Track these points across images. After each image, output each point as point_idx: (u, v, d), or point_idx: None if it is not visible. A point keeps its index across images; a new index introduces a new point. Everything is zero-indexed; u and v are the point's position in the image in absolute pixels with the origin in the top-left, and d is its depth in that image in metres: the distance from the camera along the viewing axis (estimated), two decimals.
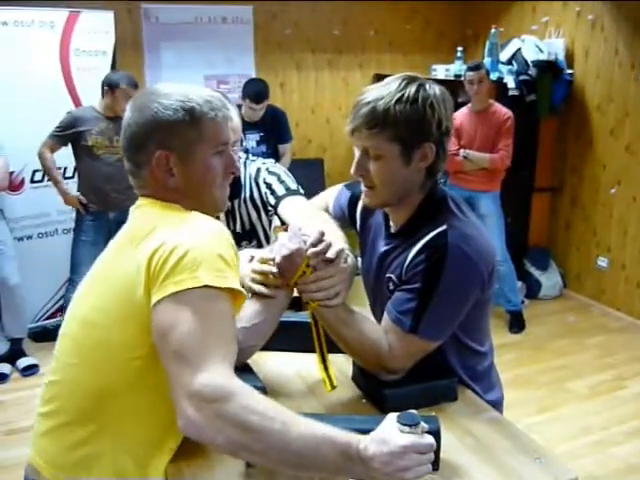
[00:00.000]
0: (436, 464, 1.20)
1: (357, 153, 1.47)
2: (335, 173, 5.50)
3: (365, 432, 1.19)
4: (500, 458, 1.33)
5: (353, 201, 1.76)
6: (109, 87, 3.79)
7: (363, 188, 1.52)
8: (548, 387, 3.76)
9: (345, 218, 1.79)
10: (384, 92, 1.40)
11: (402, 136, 1.39)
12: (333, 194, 1.88)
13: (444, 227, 1.44)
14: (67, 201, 3.93)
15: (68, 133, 3.80)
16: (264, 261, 1.45)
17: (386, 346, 1.46)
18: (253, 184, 2.23)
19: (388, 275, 1.56)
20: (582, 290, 5.12)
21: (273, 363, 1.70)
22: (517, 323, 4.54)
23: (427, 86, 1.42)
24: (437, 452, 1.19)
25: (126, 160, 1.29)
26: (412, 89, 1.39)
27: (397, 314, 1.46)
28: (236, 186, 2.16)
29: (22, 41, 3.95)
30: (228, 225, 2.20)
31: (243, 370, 1.52)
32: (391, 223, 1.60)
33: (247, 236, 2.29)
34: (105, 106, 3.86)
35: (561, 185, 5.18)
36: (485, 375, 1.66)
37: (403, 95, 1.38)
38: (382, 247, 1.61)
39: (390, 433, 1.09)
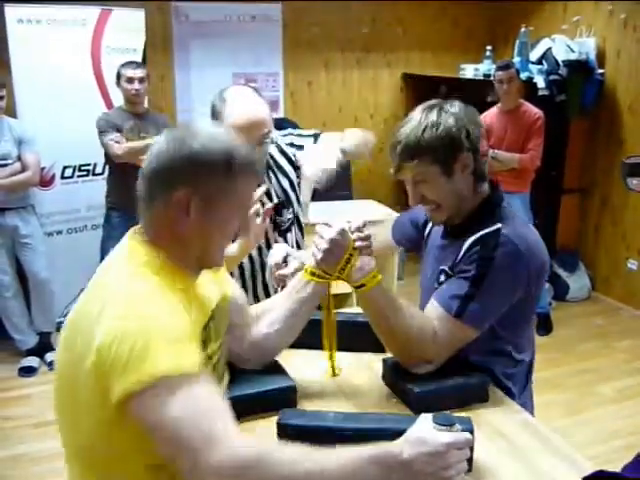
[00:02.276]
0: (469, 465, 1.20)
1: (408, 187, 1.62)
2: (363, 171, 5.47)
3: (396, 432, 1.19)
4: (532, 461, 1.32)
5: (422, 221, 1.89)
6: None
7: (428, 212, 1.66)
8: (576, 390, 3.71)
9: (414, 234, 1.92)
10: (410, 127, 1.55)
11: (438, 157, 1.53)
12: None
13: (499, 225, 1.55)
14: None
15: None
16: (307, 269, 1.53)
17: (431, 332, 1.50)
18: (277, 152, 2.17)
19: (441, 267, 1.64)
20: (611, 293, 5.04)
21: (301, 361, 1.70)
22: (544, 325, 4.49)
23: (446, 107, 1.56)
24: (470, 453, 1.18)
25: (143, 187, 1.20)
26: (433, 115, 1.54)
27: (447, 299, 1.53)
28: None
29: (54, 38, 3.99)
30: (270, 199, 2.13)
31: (274, 369, 1.53)
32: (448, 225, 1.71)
33: (285, 205, 2.19)
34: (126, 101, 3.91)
35: (591, 186, 5.11)
36: (517, 381, 1.67)
37: (427, 123, 1.53)
38: (438, 243, 1.72)
39: (428, 433, 1.08)
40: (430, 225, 1.81)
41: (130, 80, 3.81)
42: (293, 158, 2.18)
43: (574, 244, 5.25)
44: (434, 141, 1.52)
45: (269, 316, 1.51)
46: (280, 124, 4.37)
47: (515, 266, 1.51)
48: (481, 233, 1.55)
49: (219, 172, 1.16)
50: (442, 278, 1.63)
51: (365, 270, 1.49)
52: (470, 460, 1.20)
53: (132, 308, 1.08)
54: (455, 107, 1.57)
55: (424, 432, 1.09)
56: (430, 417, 1.11)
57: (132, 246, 1.22)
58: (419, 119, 1.55)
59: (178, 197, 1.15)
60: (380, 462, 1.04)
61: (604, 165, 4.96)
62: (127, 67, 3.84)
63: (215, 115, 1.92)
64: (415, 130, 1.54)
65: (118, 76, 3.86)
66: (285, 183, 2.18)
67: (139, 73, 3.83)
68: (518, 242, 1.51)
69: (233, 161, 1.17)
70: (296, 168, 2.18)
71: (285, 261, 1.85)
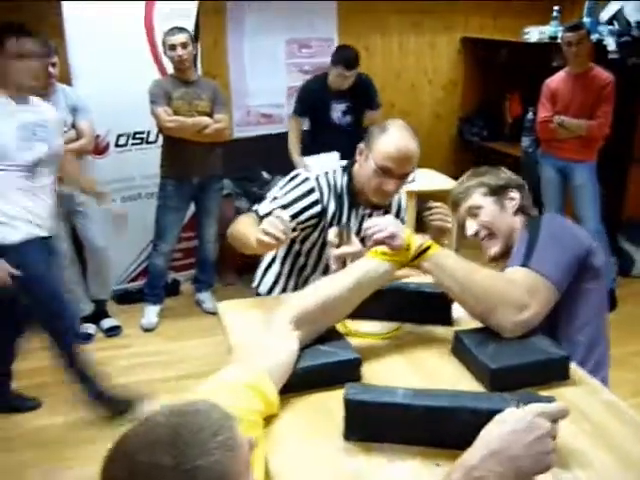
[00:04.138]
0: None
1: (467, 223, 1.87)
2: (421, 137, 5.31)
3: (471, 410, 1.13)
4: (619, 446, 1.21)
5: None
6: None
7: (484, 245, 1.84)
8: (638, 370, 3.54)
9: None
10: (465, 176, 1.96)
11: (490, 190, 1.84)
12: None
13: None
14: None
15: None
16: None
17: (506, 283, 1.49)
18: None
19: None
20: None
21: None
22: (609, 301, 4.29)
23: (497, 169, 1.94)
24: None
25: None
26: (481, 169, 1.94)
27: (509, 267, 1.59)
28: None
29: (108, 4, 3.94)
30: None
31: (338, 342, 1.45)
32: None
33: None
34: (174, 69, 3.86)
35: None
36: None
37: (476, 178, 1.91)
38: None
39: (507, 412, 0.98)
40: None
41: (173, 47, 3.74)
42: None
43: None
44: (485, 180, 1.86)
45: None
46: (359, 79, 4.22)
47: (563, 224, 1.73)
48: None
49: None
50: None
51: (425, 238, 1.54)
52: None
53: None
54: (503, 169, 1.93)
55: (501, 413, 0.98)
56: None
57: None
58: (472, 172, 1.95)
59: None
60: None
61: None
62: (169, 34, 3.77)
63: (370, 141, 2.00)
64: (467, 177, 1.94)
65: (163, 44, 3.81)
66: None
67: (181, 38, 3.74)
68: (559, 218, 1.82)
69: None
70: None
71: (342, 236, 1.82)
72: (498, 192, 1.82)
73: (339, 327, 1.55)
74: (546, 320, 1.49)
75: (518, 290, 1.45)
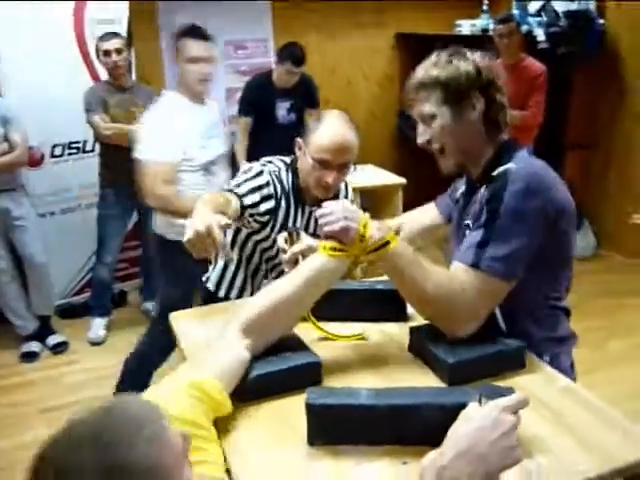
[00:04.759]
0: None
1: (419, 128, 1.59)
2: (359, 133, 5.34)
3: (434, 406, 1.13)
4: (579, 430, 1.23)
5: (450, 192, 1.85)
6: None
7: (436, 156, 1.59)
8: (595, 349, 3.64)
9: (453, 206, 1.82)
10: (423, 67, 1.56)
11: (446, 94, 1.50)
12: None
13: (509, 164, 1.46)
14: None
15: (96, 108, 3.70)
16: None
17: (459, 288, 1.39)
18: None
19: (465, 222, 1.56)
20: (618, 249, 4.96)
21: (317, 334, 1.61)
22: None
23: (464, 50, 1.55)
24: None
25: None
26: (444, 54, 1.54)
27: (464, 252, 1.44)
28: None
29: (35, 10, 3.81)
30: None
31: (297, 346, 1.44)
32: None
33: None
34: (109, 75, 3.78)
35: (594, 141, 5.00)
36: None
37: (438, 61, 1.54)
38: (462, 203, 1.65)
39: (471, 408, 0.99)
40: (459, 192, 1.73)
41: (107, 53, 3.66)
42: None
43: (578, 201, 5.11)
44: (443, 76, 1.51)
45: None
46: (302, 78, 4.22)
47: (527, 202, 1.40)
48: (494, 174, 1.48)
49: None
50: (466, 233, 1.53)
51: (383, 229, 1.40)
52: None
53: None
54: (471, 51, 1.55)
55: (466, 410, 0.99)
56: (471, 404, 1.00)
57: None
58: (432, 58, 1.56)
59: None
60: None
61: (608, 118, 4.84)
62: (102, 39, 3.68)
63: (307, 134, 1.97)
64: (426, 68, 1.55)
65: (97, 50, 3.72)
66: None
67: (116, 44, 3.66)
68: (528, 179, 1.42)
69: None
70: None
71: (292, 239, 1.76)
72: (457, 99, 1.50)
73: (313, 329, 1.53)
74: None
75: (468, 303, 1.40)
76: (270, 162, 2.10)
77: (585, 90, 4.88)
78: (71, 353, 3.84)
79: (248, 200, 1.93)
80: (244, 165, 4.08)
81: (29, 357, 3.74)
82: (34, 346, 3.79)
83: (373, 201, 4.28)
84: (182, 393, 1.14)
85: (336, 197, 2.15)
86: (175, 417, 1.03)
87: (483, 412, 0.96)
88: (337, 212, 1.38)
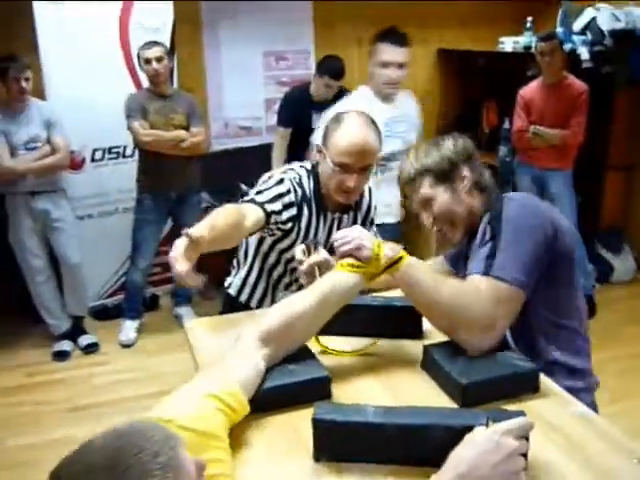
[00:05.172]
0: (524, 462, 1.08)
1: (422, 215, 1.73)
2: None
3: (444, 428, 1.10)
4: (593, 458, 1.20)
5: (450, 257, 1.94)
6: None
7: (445, 233, 1.73)
8: (621, 377, 3.55)
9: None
10: (407, 164, 1.73)
11: (435, 176, 1.68)
12: None
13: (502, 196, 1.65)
14: None
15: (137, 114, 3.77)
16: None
17: (474, 296, 1.44)
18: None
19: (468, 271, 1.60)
20: None
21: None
22: (588, 309, 4.31)
23: (438, 140, 1.75)
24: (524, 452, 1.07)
25: None
26: (422, 148, 1.75)
27: (472, 266, 1.54)
28: None
29: (82, 17, 3.91)
30: None
31: (307, 359, 1.43)
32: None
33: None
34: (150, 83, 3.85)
35: (637, 163, 4.88)
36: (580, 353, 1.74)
37: (418, 155, 1.72)
38: (465, 248, 1.75)
39: (477, 431, 0.97)
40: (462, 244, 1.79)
41: (148, 61, 3.74)
42: None
43: (619, 224, 5.04)
44: (431, 161, 1.69)
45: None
46: (340, 92, 4.23)
47: (525, 215, 1.55)
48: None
49: None
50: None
51: (395, 249, 1.47)
52: (525, 457, 1.09)
53: None
54: (446, 140, 1.73)
55: (472, 433, 0.97)
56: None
57: None
58: (412, 155, 1.74)
59: None
60: None
61: None
62: (144, 48, 3.76)
63: (326, 135, 1.94)
64: (412, 161, 1.72)
65: (138, 58, 3.79)
66: None
67: (156, 52, 3.73)
68: (524, 200, 1.63)
69: None
70: None
71: (309, 251, 1.78)
72: (446, 177, 1.67)
73: (314, 343, 1.53)
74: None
75: (484, 308, 1.42)
76: (291, 169, 2.07)
77: (628, 110, 4.77)
78: (102, 354, 3.91)
79: (270, 208, 1.91)
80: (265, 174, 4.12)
81: (61, 356, 3.82)
82: (66, 345, 3.87)
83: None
84: (204, 404, 1.14)
85: (359, 205, 2.13)
86: (194, 429, 1.04)
87: (485, 435, 0.95)
88: (351, 234, 1.47)
